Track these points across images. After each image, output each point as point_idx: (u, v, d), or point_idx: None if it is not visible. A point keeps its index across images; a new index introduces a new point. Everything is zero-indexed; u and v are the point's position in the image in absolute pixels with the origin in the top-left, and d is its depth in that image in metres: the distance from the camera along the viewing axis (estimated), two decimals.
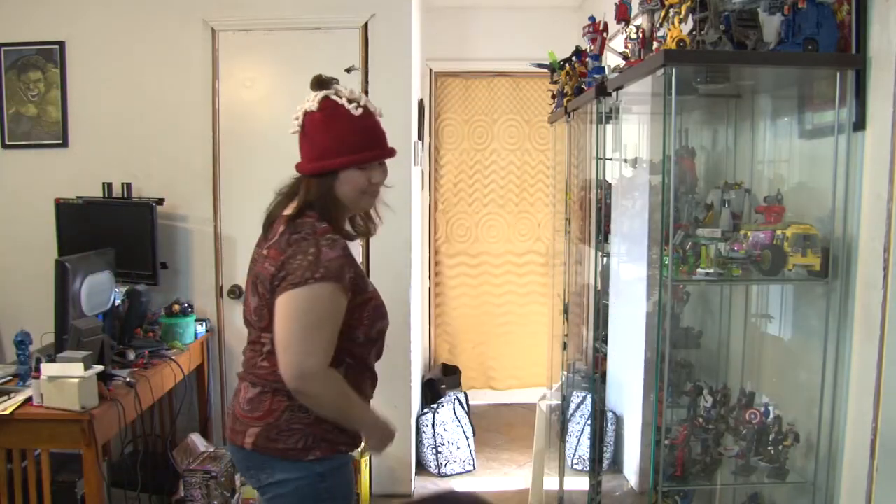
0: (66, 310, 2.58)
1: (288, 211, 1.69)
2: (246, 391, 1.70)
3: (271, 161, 3.41)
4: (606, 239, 2.58)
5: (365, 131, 1.68)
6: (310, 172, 1.68)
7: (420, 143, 3.92)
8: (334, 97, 1.65)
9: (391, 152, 1.73)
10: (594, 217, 2.67)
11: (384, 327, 1.73)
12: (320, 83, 1.67)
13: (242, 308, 1.79)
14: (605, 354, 2.57)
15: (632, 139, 2.57)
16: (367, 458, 3.37)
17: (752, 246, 1.76)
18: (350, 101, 1.66)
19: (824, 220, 1.74)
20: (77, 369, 2.26)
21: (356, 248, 3.43)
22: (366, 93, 3.40)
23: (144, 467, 2.90)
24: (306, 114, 1.66)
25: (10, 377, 2.58)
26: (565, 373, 3.30)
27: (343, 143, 1.65)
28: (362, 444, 1.79)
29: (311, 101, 1.66)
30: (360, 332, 1.66)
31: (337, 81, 1.69)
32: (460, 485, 3.75)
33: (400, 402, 3.55)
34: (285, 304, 1.56)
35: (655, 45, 1.95)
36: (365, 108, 1.68)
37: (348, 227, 1.78)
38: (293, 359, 1.55)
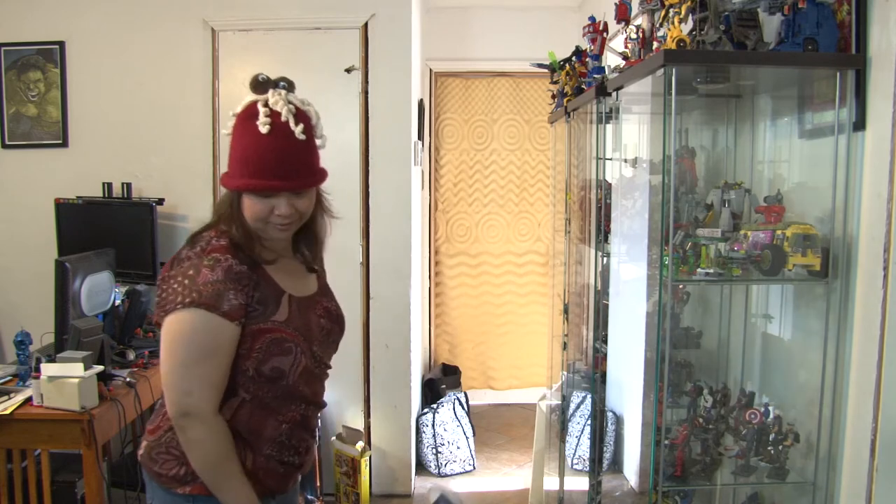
0: (66, 310, 2.58)
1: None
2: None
3: None
4: (606, 239, 2.58)
5: (267, 154, 1.39)
6: (221, 182, 1.49)
7: (420, 143, 3.92)
8: (261, 106, 1.40)
9: (282, 186, 1.42)
10: (594, 217, 2.67)
11: (284, 367, 1.47)
12: (256, 85, 1.43)
13: None
14: (605, 354, 2.57)
15: (632, 139, 2.58)
16: (367, 457, 3.37)
17: (752, 246, 1.76)
18: (268, 116, 1.39)
19: (824, 220, 1.74)
20: (77, 369, 2.26)
21: (356, 247, 3.44)
22: (365, 93, 3.40)
23: None
24: (234, 115, 1.45)
25: (10, 377, 2.58)
26: (565, 373, 3.31)
27: (244, 163, 1.42)
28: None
29: (243, 102, 1.45)
30: (248, 364, 1.45)
31: (286, 86, 1.45)
32: (460, 485, 3.75)
33: (400, 402, 3.55)
34: (163, 334, 1.41)
35: (655, 45, 1.95)
36: (279, 128, 1.39)
37: (275, 250, 1.54)
38: (172, 396, 1.40)
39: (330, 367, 1.63)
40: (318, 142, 1.47)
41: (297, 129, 1.40)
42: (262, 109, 1.39)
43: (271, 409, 1.49)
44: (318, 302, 1.61)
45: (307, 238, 1.59)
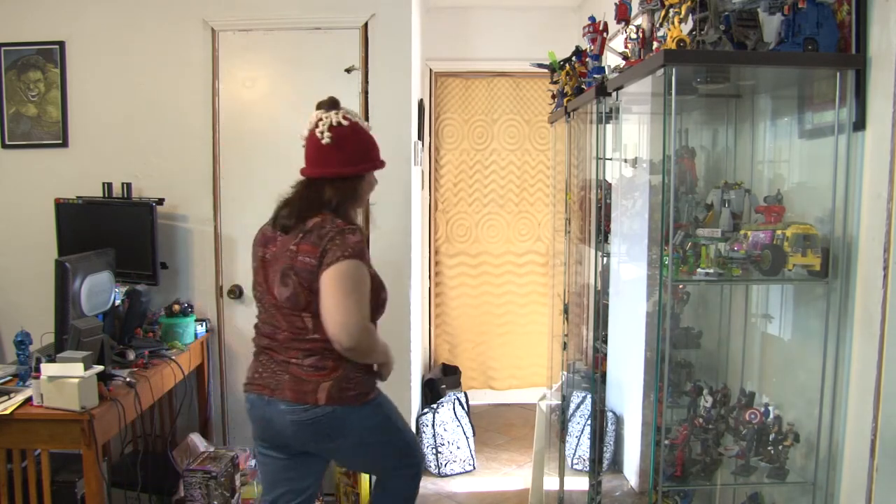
0: (66, 310, 2.58)
1: (310, 212, 2.07)
2: (301, 360, 2.03)
3: (271, 161, 3.43)
4: (606, 239, 2.58)
5: (375, 141, 2.16)
6: (340, 175, 2.07)
7: (420, 143, 3.92)
8: (349, 115, 2.08)
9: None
10: (594, 217, 2.67)
11: (386, 297, 2.19)
12: (335, 103, 2.10)
13: (263, 298, 2.12)
14: (605, 354, 2.57)
15: (632, 139, 2.58)
16: None
17: (752, 246, 1.76)
18: (362, 120, 2.14)
19: (824, 220, 1.74)
20: (77, 369, 2.26)
21: None
22: (365, 93, 3.41)
23: (144, 467, 2.89)
24: (334, 127, 2.04)
25: (10, 377, 2.57)
26: (565, 373, 3.31)
27: (370, 151, 2.13)
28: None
29: (335, 117, 2.04)
30: (373, 297, 2.07)
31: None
32: (460, 485, 3.75)
33: (400, 402, 3.53)
34: (328, 280, 1.95)
35: (655, 45, 1.95)
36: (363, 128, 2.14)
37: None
38: (342, 319, 1.93)
39: None
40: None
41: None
42: (355, 118, 2.12)
43: (374, 326, 2.13)
44: None
45: None
